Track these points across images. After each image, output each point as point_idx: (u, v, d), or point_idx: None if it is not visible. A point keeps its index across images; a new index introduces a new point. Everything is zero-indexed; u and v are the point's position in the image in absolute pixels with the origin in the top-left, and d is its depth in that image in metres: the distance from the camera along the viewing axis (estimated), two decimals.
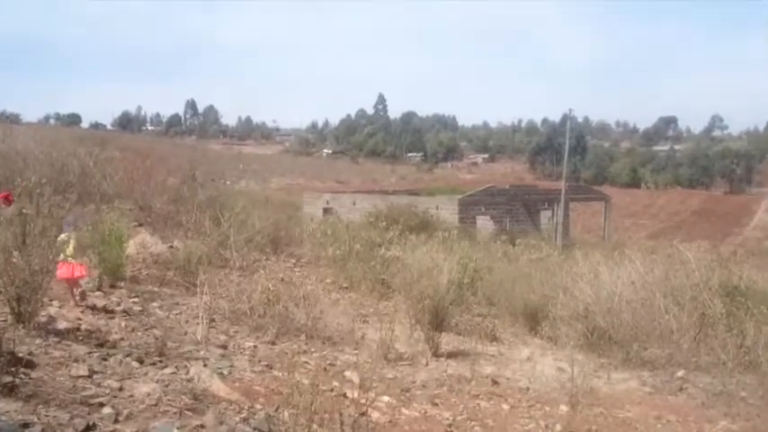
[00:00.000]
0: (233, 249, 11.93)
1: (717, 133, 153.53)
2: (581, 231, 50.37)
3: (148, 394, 4.78)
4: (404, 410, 5.88)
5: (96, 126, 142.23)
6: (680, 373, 7.33)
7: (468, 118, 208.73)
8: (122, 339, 6.51)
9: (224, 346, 7.00)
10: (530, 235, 26.56)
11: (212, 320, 8.08)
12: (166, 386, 5.07)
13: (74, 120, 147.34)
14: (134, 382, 5.08)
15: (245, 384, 5.74)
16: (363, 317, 9.75)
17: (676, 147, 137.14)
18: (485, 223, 31.67)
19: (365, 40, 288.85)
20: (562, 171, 41.57)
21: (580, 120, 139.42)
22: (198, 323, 7.54)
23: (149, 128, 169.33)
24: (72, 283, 7.53)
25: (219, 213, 13.82)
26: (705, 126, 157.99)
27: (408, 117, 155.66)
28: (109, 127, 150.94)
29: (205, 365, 5.98)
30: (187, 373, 5.65)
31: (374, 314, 9.99)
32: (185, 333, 7.30)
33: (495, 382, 7.17)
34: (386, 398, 6.12)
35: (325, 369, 6.81)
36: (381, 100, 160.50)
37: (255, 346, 7.35)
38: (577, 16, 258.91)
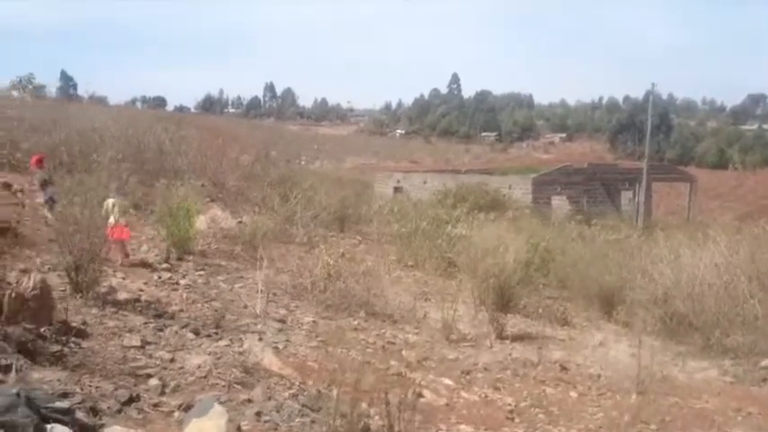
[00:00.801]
0: (299, 225, 11.91)
1: None
2: (664, 213, 48.21)
3: (199, 366, 4.70)
4: (463, 393, 5.61)
5: (180, 109, 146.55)
6: (764, 363, 6.75)
7: (545, 96, 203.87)
8: (181, 311, 6.51)
9: (282, 320, 6.91)
10: (609, 216, 25.55)
11: (273, 294, 8.03)
12: (218, 359, 4.99)
13: (159, 102, 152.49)
14: (186, 353, 5.02)
15: (299, 360, 5.62)
16: (426, 295, 9.50)
17: (765, 126, 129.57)
18: (560, 204, 30.63)
19: (439, 19, 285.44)
20: (644, 150, 39.74)
21: (664, 97, 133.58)
22: (260, 297, 7.49)
23: (231, 110, 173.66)
24: (120, 243, 7.86)
25: (288, 190, 13.87)
26: None
27: (483, 96, 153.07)
28: (192, 110, 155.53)
29: (260, 339, 5.89)
30: (241, 346, 5.57)
31: (438, 293, 9.72)
32: (245, 306, 7.25)
33: (563, 368, 6.79)
34: (445, 380, 5.88)
35: (383, 347, 6.62)
36: (455, 79, 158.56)
37: (314, 321, 7.24)
38: None
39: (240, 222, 12.04)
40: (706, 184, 67.18)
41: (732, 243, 8.62)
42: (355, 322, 7.46)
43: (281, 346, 5.87)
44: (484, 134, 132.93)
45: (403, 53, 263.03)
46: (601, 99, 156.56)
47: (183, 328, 5.77)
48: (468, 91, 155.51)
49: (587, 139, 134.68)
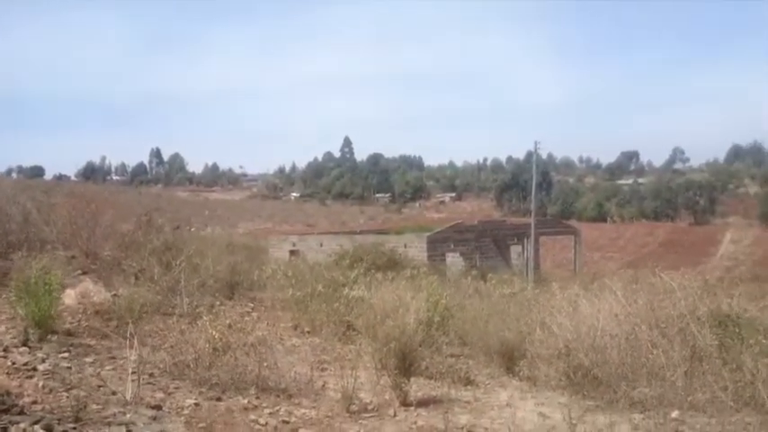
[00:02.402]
0: (183, 295, 10.99)
1: (678, 166, 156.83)
2: (550, 266, 50.01)
3: None
4: None
5: (60, 177, 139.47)
6: (674, 414, 6.58)
7: (433, 158, 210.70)
8: (35, 402, 5.55)
9: (158, 407, 6.05)
10: (500, 270, 25.97)
11: (150, 375, 7.15)
12: None
13: (37, 172, 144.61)
14: None
15: None
16: (324, 364, 8.85)
17: (639, 180, 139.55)
18: (454, 260, 31.04)
19: (328, 85, 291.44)
20: (528, 207, 41.41)
21: (544, 157, 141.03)
22: (131, 380, 6.61)
23: (114, 178, 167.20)
24: None
25: (171, 258, 12.89)
26: (666, 159, 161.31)
27: (375, 159, 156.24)
28: (73, 178, 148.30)
29: None
30: None
31: (336, 360, 9.10)
32: (114, 393, 6.34)
33: None
34: None
35: (276, 428, 5.93)
36: (347, 143, 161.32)
37: (197, 404, 6.42)
38: (533, 59, 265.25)
39: (115, 295, 10.96)
40: (587, 236, 70.77)
41: (629, 292, 8.60)
42: (245, 401, 6.70)
43: None
44: (378, 195, 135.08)
45: (295, 118, 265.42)
46: (485, 160, 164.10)
47: (33, 424, 4.86)
48: (360, 154, 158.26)
49: (475, 197, 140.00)
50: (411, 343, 7.50)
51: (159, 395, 6.56)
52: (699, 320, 7.55)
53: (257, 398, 6.85)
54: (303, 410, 6.69)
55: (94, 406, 5.64)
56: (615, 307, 8.41)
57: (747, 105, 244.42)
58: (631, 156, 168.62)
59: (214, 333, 7.24)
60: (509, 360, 9.95)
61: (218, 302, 12.03)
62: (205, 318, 7.73)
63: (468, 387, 8.57)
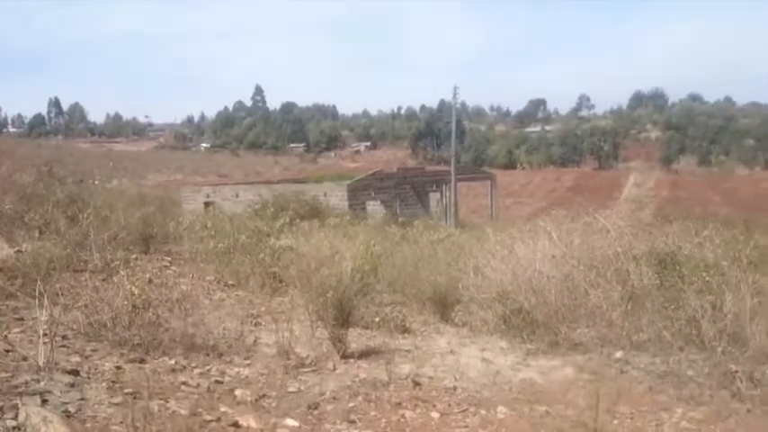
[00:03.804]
0: (93, 250, 10.16)
1: (584, 113, 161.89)
2: (465, 212, 50.75)
3: None
4: None
5: None
6: (618, 354, 6.56)
7: (348, 107, 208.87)
8: None
9: (75, 372, 5.43)
10: (420, 218, 25.93)
11: (63, 338, 6.47)
12: None
13: None
14: None
15: (100, 425, 4.31)
16: (254, 318, 8.36)
17: (547, 127, 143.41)
18: (375, 208, 30.82)
19: (238, 31, 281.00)
20: (443, 155, 41.78)
21: (457, 105, 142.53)
22: (43, 344, 5.93)
23: (11, 130, 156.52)
24: None
25: (78, 211, 11.91)
26: (573, 106, 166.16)
27: (288, 107, 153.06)
28: None
29: (44, 402, 4.48)
30: (15, 416, 4.14)
31: (267, 313, 8.64)
32: (24, 359, 5.66)
33: (416, 384, 6.08)
34: (290, 420, 4.87)
35: (209, 389, 5.45)
36: (259, 91, 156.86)
37: (119, 367, 5.84)
38: (443, 7, 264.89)
39: (18, 251, 9.99)
40: (499, 183, 72.15)
41: (563, 234, 8.50)
42: (172, 361, 6.16)
43: (72, 409, 4.49)
44: (292, 145, 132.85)
45: (203, 65, 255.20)
46: (400, 108, 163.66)
47: None
48: (273, 103, 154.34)
49: (390, 146, 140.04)
50: (348, 292, 7.12)
51: (75, 359, 5.92)
52: (636, 259, 7.53)
53: (185, 358, 6.32)
54: (236, 369, 6.23)
55: (3, 374, 4.99)
56: (550, 248, 8.29)
57: (649, 53, 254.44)
58: (539, 104, 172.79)
59: (133, 289, 6.59)
60: (443, 306, 9.80)
61: (133, 257, 11.24)
62: (121, 273, 7.02)
63: (406, 335, 8.33)
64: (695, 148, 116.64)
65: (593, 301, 7.19)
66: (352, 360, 6.83)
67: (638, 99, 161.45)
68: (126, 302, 6.66)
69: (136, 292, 6.53)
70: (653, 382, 5.94)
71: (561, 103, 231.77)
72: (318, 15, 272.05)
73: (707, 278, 6.44)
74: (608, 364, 6.41)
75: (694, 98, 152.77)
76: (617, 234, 8.03)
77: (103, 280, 8.42)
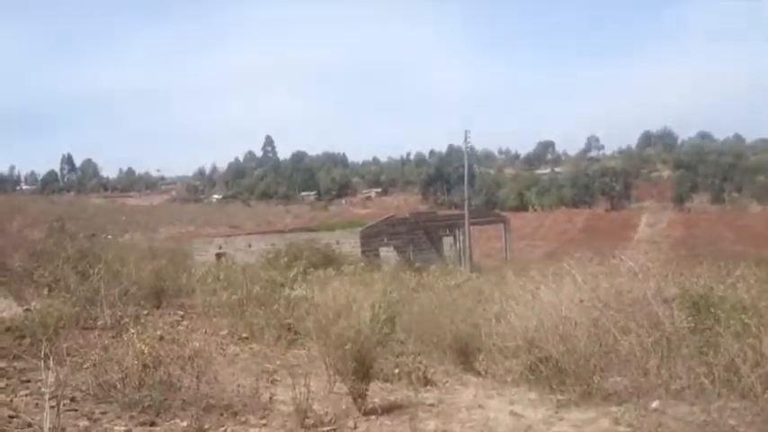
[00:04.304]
0: (104, 306, 9.92)
1: (593, 153, 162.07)
2: (479, 256, 50.33)
3: None
4: None
5: None
6: (654, 404, 6.16)
7: (357, 154, 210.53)
8: None
9: None
10: (433, 263, 25.60)
11: (71, 400, 6.19)
12: None
13: None
14: None
15: None
16: (270, 373, 8.03)
17: (557, 169, 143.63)
18: (388, 254, 30.54)
19: (246, 83, 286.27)
20: (453, 200, 41.71)
21: (468, 149, 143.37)
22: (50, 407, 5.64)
23: (24, 187, 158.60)
24: None
25: (88, 266, 11.73)
26: (582, 148, 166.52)
27: (298, 157, 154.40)
28: None
29: None
30: None
31: (282, 367, 8.31)
32: (29, 425, 5.37)
33: None
34: None
35: None
36: (269, 142, 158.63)
37: (128, 431, 5.54)
38: (446, 52, 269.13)
39: (27, 310, 9.78)
40: (511, 225, 71.85)
41: (588, 277, 8.18)
42: (184, 423, 5.84)
43: None
44: (303, 194, 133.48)
45: (213, 117, 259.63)
46: (409, 154, 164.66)
47: None
48: (283, 153, 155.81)
49: (401, 192, 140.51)
50: (368, 344, 6.80)
51: (83, 423, 5.64)
52: (667, 302, 7.18)
53: (198, 419, 5.98)
54: (252, 430, 5.91)
55: None
56: (576, 292, 7.95)
57: (657, 93, 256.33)
58: (548, 145, 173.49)
59: (143, 347, 6.31)
60: (464, 355, 9.43)
61: (144, 312, 10.99)
62: (131, 330, 6.76)
63: (428, 387, 7.94)
64: (707, 186, 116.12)
65: (624, 347, 6.81)
66: (373, 417, 6.47)
67: (647, 138, 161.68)
68: (136, 362, 6.38)
69: (146, 350, 6.24)
70: None
71: (570, 144, 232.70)
72: (325, 65, 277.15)
73: (745, 320, 6.07)
74: (644, 415, 6.01)
75: (704, 136, 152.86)
76: (645, 276, 7.69)
77: (113, 338, 8.17)
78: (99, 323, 9.33)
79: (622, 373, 6.74)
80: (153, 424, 5.80)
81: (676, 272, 7.66)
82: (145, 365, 6.30)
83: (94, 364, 6.65)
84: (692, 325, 6.58)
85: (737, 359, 6.02)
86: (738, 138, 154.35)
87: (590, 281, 8.11)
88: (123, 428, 5.58)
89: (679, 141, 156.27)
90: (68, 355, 7.81)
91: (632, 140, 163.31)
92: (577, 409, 6.48)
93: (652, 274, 7.68)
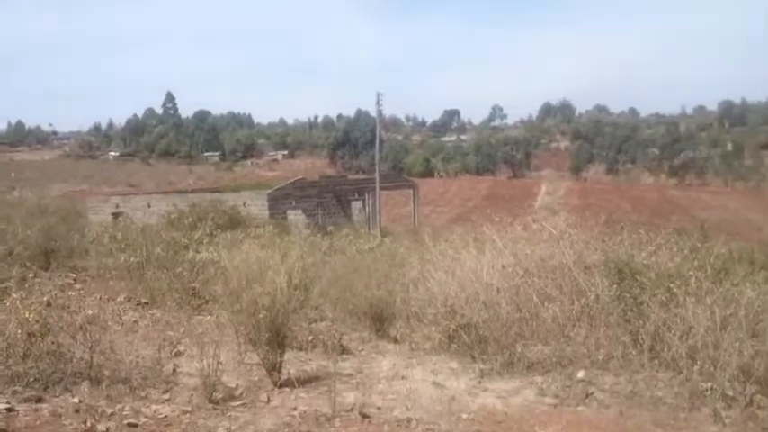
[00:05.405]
0: None
1: (497, 122, 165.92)
2: (385, 221, 50.39)
3: None
4: None
5: None
6: (580, 375, 6.05)
7: (263, 116, 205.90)
8: None
9: None
10: (342, 227, 25.25)
11: None
12: None
13: None
14: None
15: None
16: (173, 343, 7.40)
17: (462, 137, 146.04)
18: (296, 217, 29.88)
19: (146, 37, 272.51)
20: (361, 165, 41.33)
21: (373, 115, 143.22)
22: None
23: None
24: None
25: None
26: (486, 116, 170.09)
27: (202, 115, 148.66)
28: None
29: None
30: None
31: (187, 336, 7.70)
32: None
33: (364, 416, 5.36)
34: None
35: None
36: (170, 98, 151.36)
37: (10, 409, 4.86)
38: (357, 15, 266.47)
39: None
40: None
41: (508, 242, 8.01)
42: (76, 399, 5.21)
43: None
44: (207, 154, 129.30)
45: (109, 72, 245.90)
46: (317, 118, 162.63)
47: None
48: (185, 111, 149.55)
49: (308, 155, 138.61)
50: (283, 311, 6.33)
51: None
52: (589, 270, 7.11)
53: (91, 395, 5.36)
54: (154, 406, 5.33)
55: None
56: (498, 258, 7.77)
57: (556, 66, 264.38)
58: (453, 114, 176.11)
59: (27, 315, 5.57)
60: (379, 322, 9.15)
61: (31, 274, 10.01)
62: (14, 294, 5.96)
63: (344, 356, 7.59)
64: (603, 157, 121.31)
65: (548, 315, 6.69)
66: (288, 389, 6.04)
67: (548, 110, 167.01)
68: (20, 330, 5.62)
69: (31, 318, 5.50)
70: (622, 406, 5.46)
71: (474, 113, 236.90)
72: (231, 22, 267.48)
73: (674, 289, 6.03)
74: (570, 386, 5.90)
75: (600, 109, 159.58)
76: (567, 242, 7.59)
77: None
78: None
79: (546, 342, 6.61)
80: (40, 400, 5.13)
81: (597, 238, 7.56)
82: (30, 334, 5.56)
83: None
84: (617, 293, 6.50)
85: (664, 328, 5.99)
86: (633, 111, 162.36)
87: (510, 247, 7.95)
88: (4, 405, 4.89)
89: (577, 113, 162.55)
90: None
91: (534, 112, 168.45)
92: (501, 379, 6.31)
93: (574, 240, 7.58)
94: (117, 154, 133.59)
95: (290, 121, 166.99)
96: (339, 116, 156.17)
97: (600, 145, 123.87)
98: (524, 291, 7.12)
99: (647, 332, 5.96)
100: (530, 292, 7.09)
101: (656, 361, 5.91)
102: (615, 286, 6.51)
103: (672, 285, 6.08)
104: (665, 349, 5.82)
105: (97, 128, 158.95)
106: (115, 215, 30.54)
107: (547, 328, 6.67)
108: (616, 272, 6.67)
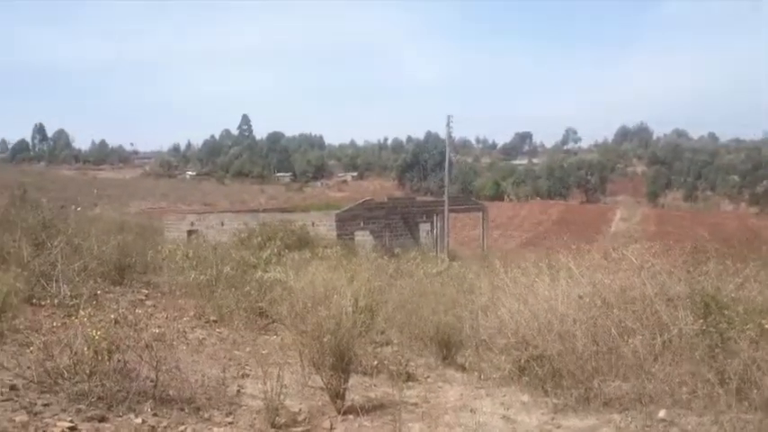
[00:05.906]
0: (61, 282, 9.13)
1: (570, 146, 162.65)
2: (453, 244, 49.88)
3: None
4: None
5: None
6: (661, 414, 5.61)
7: (334, 137, 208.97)
8: None
9: None
10: (409, 249, 25.05)
11: (12, 388, 5.47)
12: None
13: None
14: None
15: None
16: (239, 363, 7.34)
17: (534, 160, 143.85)
18: (364, 238, 29.89)
19: (225, 60, 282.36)
20: (429, 187, 41.11)
21: (443, 137, 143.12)
22: None
23: None
24: None
25: (48, 238, 10.85)
26: (559, 139, 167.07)
27: (275, 137, 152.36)
28: None
29: None
30: None
31: (252, 356, 7.64)
32: None
33: None
34: None
35: None
36: (246, 120, 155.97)
37: (73, 428, 4.84)
38: (429, 37, 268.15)
39: None
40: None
41: (584, 270, 7.61)
42: (139, 419, 5.16)
43: None
44: (278, 174, 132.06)
45: (190, 93, 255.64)
46: (386, 139, 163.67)
47: None
48: (259, 132, 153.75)
49: (377, 177, 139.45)
50: (348, 336, 6.15)
51: (21, 417, 4.91)
52: (672, 302, 6.64)
53: (155, 414, 5.32)
54: (216, 429, 5.23)
55: None
56: (574, 287, 7.38)
57: (633, 89, 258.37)
58: (525, 136, 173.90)
59: (95, 332, 5.58)
60: (446, 348, 8.87)
61: (104, 290, 10.19)
62: (82, 312, 5.99)
63: (410, 383, 7.34)
64: (681, 183, 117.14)
65: (628, 349, 6.26)
66: (351, 416, 5.85)
67: (624, 133, 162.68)
68: (87, 348, 5.64)
69: (97, 335, 5.50)
70: None
71: (547, 136, 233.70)
72: (305, 44, 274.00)
73: (765, 325, 5.54)
74: (650, 425, 5.47)
75: (680, 134, 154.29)
76: (650, 273, 7.14)
77: (65, 317, 7.40)
78: (53, 301, 8.51)
79: (625, 378, 6.18)
80: (103, 419, 5.10)
81: (682, 269, 7.08)
82: (97, 352, 5.57)
83: (39, 348, 5.89)
84: (703, 328, 6.03)
85: (753, 367, 5.50)
86: (713, 137, 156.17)
87: (588, 275, 7.55)
88: (68, 424, 4.87)
89: (654, 137, 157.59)
90: (15, 333, 7.08)
91: (609, 135, 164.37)
92: (576, 416, 5.92)
93: (657, 270, 7.12)
94: (194, 173, 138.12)
95: (360, 143, 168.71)
96: (408, 138, 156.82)
97: (678, 170, 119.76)
98: (602, 323, 6.70)
99: (735, 370, 5.47)
100: (608, 324, 6.66)
101: (745, 402, 5.41)
102: (701, 321, 6.04)
103: (763, 321, 5.58)
104: (754, 389, 5.34)
105: (176, 148, 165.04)
106: (190, 232, 31.37)
107: (626, 363, 6.23)
108: (702, 305, 6.20)
